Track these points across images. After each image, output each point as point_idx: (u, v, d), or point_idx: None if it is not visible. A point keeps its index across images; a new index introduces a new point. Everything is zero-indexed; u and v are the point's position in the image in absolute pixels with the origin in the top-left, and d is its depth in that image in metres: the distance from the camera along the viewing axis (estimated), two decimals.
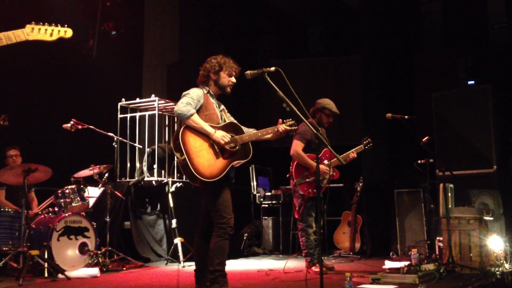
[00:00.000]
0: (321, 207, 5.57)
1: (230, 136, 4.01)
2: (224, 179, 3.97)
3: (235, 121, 4.23)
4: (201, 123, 3.93)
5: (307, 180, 5.38)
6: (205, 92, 4.12)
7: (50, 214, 5.80)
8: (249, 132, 4.18)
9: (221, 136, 3.95)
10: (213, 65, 4.13)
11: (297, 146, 5.42)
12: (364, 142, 5.91)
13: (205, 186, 3.97)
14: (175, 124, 7.67)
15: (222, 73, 4.13)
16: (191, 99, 3.96)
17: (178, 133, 3.91)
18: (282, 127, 4.17)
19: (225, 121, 4.17)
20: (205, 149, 3.93)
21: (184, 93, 4.06)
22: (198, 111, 3.98)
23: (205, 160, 3.89)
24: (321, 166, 5.35)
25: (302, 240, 5.46)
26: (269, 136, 4.18)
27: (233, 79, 4.18)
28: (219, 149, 3.97)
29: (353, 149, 5.75)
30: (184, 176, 7.28)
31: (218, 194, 3.99)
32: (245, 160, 4.12)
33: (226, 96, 4.27)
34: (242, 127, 4.20)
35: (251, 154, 4.15)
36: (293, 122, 4.20)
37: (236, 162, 4.05)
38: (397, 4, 8.59)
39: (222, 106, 4.25)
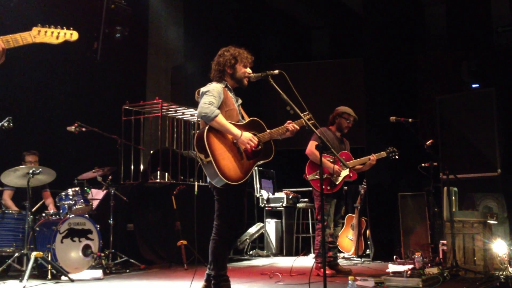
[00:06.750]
0: (340, 208, 5.66)
1: (256, 140, 3.84)
2: (245, 181, 3.83)
3: (257, 118, 4.02)
4: (226, 124, 3.73)
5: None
6: (223, 86, 3.93)
7: (54, 216, 5.81)
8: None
9: (248, 140, 3.78)
10: (227, 59, 3.94)
11: (312, 146, 5.56)
12: (388, 150, 5.82)
13: (227, 188, 3.74)
14: (178, 127, 7.73)
15: (237, 65, 3.96)
16: (213, 97, 3.75)
17: (202, 134, 3.70)
18: (291, 125, 4.02)
19: (242, 116, 4.02)
20: (229, 150, 3.76)
21: (203, 89, 3.85)
22: (219, 108, 3.77)
23: (231, 162, 3.73)
24: (335, 166, 5.49)
25: (318, 240, 5.54)
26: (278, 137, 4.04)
27: (249, 70, 4.01)
28: (243, 150, 3.82)
29: (374, 154, 5.70)
30: (187, 179, 7.36)
31: (235, 197, 3.85)
32: (267, 160, 3.97)
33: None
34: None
35: (273, 154, 4.00)
36: (310, 116, 3.97)
37: (259, 162, 3.92)
38: (401, 7, 8.58)
39: (240, 100, 4.08)
